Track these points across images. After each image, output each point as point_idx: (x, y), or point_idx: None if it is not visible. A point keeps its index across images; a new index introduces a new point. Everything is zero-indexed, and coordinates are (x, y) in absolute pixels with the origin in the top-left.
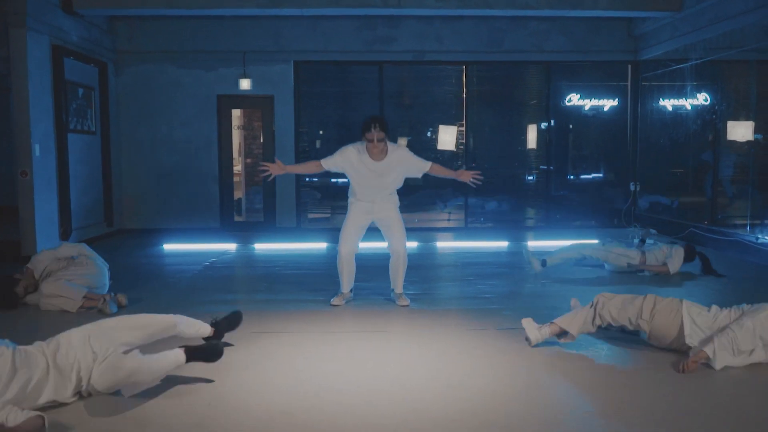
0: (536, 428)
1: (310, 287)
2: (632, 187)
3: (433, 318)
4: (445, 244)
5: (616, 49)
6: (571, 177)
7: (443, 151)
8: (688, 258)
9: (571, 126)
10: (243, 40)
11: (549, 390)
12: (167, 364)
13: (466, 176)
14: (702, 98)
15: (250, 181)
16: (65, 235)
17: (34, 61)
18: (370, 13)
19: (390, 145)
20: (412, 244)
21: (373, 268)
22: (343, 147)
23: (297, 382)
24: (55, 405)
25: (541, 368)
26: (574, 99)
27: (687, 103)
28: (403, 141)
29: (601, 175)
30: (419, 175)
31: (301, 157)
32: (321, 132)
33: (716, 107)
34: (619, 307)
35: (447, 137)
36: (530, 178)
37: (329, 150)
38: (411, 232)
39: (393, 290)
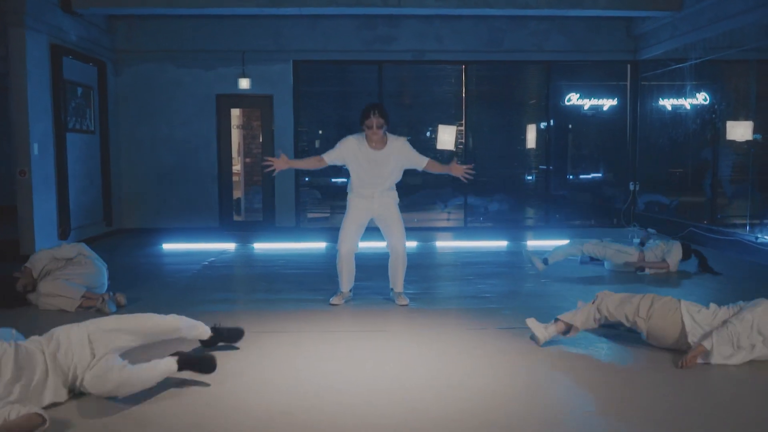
0: (536, 428)
1: (309, 287)
2: (632, 187)
3: (433, 317)
4: (444, 244)
5: (615, 49)
6: (571, 176)
7: (443, 151)
8: (684, 256)
9: (570, 126)
10: (242, 39)
11: (549, 390)
12: (157, 375)
13: (458, 170)
14: (701, 98)
15: (249, 181)
16: (64, 234)
17: (33, 61)
18: (369, 13)
19: (390, 136)
20: (412, 244)
21: (372, 268)
22: (343, 138)
23: (296, 382)
24: (51, 404)
25: (541, 368)
26: (573, 99)
27: (686, 103)
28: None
29: (600, 174)
30: (416, 168)
31: (300, 156)
32: (320, 132)
33: (716, 107)
34: (616, 303)
35: (446, 137)
36: (529, 177)
37: (328, 149)
38: (410, 231)
39: (392, 289)
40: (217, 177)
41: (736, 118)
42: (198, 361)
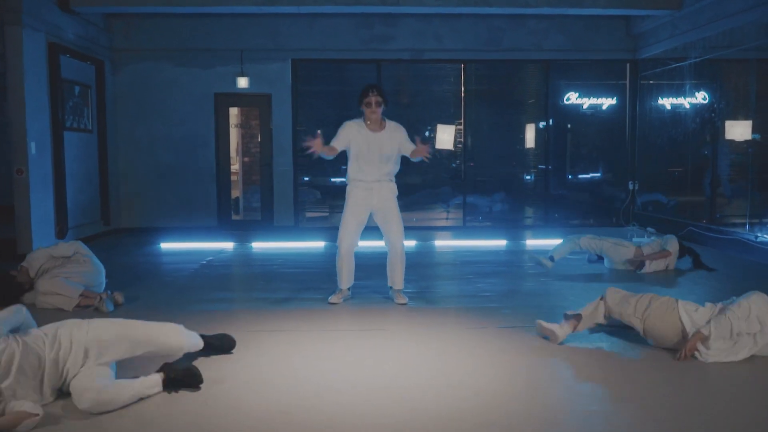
0: (536, 428)
1: (307, 285)
2: (631, 186)
3: (432, 316)
4: (443, 243)
5: (615, 48)
6: (570, 176)
7: (441, 150)
8: (678, 253)
9: (569, 125)
10: (240, 38)
11: (549, 389)
12: (141, 392)
13: (422, 151)
14: (701, 97)
15: (247, 180)
16: (61, 233)
17: (31, 59)
18: (368, 11)
19: (387, 120)
20: (410, 243)
21: (371, 267)
22: (342, 125)
23: (295, 381)
24: (45, 404)
25: (541, 367)
26: (572, 98)
27: (686, 102)
28: None
29: (599, 173)
30: (406, 154)
31: (300, 156)
32: (319, 131)
33: (715, 106)
34: (617, 301)
35: (445, 136)
36: (529, 177)
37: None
38: (409, 230)
39: (391, 288)
40: (216, 176)
41: (735, 118)
42: (183, 378)
